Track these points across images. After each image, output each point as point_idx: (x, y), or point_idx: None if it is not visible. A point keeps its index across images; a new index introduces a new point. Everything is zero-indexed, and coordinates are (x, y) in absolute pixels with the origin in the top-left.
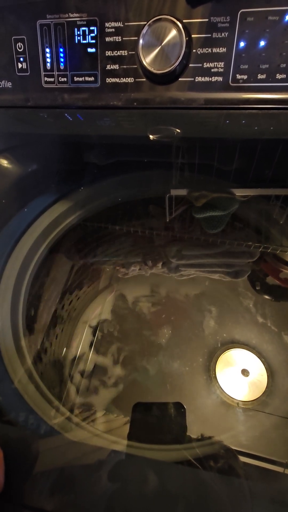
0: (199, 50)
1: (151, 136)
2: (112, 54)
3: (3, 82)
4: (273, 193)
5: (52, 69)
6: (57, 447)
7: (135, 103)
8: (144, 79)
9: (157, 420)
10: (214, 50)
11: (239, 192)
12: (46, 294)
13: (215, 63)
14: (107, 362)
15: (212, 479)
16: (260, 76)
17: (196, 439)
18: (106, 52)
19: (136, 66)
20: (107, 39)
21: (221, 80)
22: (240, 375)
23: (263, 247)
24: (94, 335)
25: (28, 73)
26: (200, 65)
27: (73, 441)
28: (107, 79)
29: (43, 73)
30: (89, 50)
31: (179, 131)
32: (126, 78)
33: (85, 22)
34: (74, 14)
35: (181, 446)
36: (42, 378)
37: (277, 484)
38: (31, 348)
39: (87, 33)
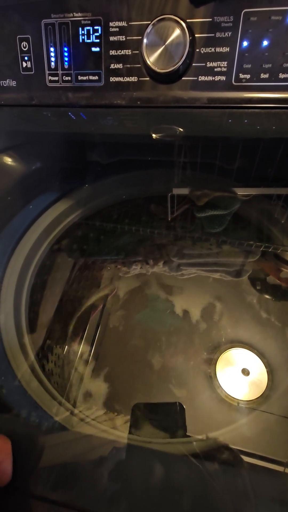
0: (202, 50)
1: (154, 135)
2: (116, 53)
3: (8, 81)
4: (275, 192)
5: (56, 68)
6: (61, 442)
7: (138, 102)
8: (148, 78)
9: (156, 420)
10: (218, 49)
11: (240, 191)
12: (48, 291)
13: (218, 62)
14: (109, 359)
15: (214, 476)
16: (263, 76)
17: (200, 440)
18: (110, 51)
19: (139, 65)
20: (111, 38)
21: (224, 79)
22: (240, 374)
23: (264, 247)
24: (96, 332)
25: (32, 72)
26: (204, 64)
27: (77, 436)
28: (111, 78)
29: (48, 72)
30: (93, 49)
31: (182, 130)
32: (130, 77)
33: (89, 22)
34: (79, 13)
35: (181, 443)
36: (45, 375)
37: (277, 483)
38: (34, 345)
39: (91, 32)
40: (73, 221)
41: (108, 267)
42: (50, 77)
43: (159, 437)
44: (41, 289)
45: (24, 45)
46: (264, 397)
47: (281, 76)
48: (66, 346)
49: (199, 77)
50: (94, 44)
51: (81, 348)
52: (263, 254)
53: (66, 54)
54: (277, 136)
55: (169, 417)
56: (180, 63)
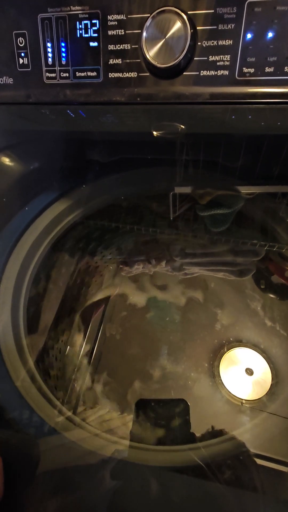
0: (204, 43)
1: (154, 133)
2: (115, 48)
3: (4, 78)
4: (280, 190)
5: (53, 64)
6: (59, 446)
7: (138, 99)
8: (148, 74)
9: (160, 417)
10: (220, 42)
11: (244, 190)
12: (48, 292)
13: (221, 56)
14: (111, 359)
15: (220, 488)
16: (267, 69)
17: (206, 433)
18: (109, 46)
19: (139, 60)
20: (110, 32)
21: (227, 73)
22: (244, 374)
23: (269, 246)
24: (97, 333)
25: (29, 69)
26: (206, 58)
27: (73, 441)
28: (109, 74)
29: (45, 68)
30: (91, 44)
31: (183, 127)
32: (129, 73)
33: (87, 15)
34: (76, 7)
35: (188, 447)
36: (45, 377)
37: (281, 483)
38: (34, 347)
39: (89, 26)
40: (73, 221)
41: (110, 266)
42: (47, 74)
43: (161, 435)
44: (41, 290)
45: (21, 41)
46: (268, 397)
47: (287, 69)
48: (68, 347)
49: (201, 71)
50: (92, 39)
51: (83, 349)
52: (267, 253)
53: (63, 49)
54: (282, 133)
55: (173, 414)
56: (181, 57)
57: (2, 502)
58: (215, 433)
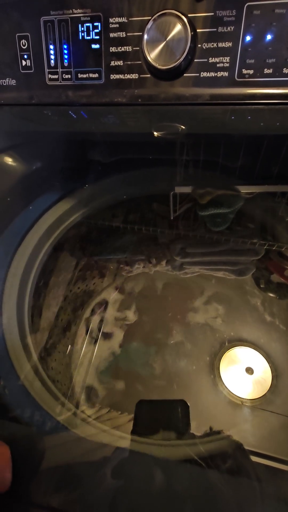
0: (204, 45)
1: (155, 133)
2: (116, 50)
3: (7, 80)
4: (279, 190)
5: (56, 66)
6: (63, 443)
7: (139, 100)
8: (149, 75)
9: (160, 417)
10: (220, 44)
11: (244, 189)
12: (51, 291)
13: (221, 58)
14: (111, 359)
15: (219, 480)
16: (266, 71)
17: (205, 434)
18: (110, 48)
19: (140, 62)
20: (111, 35)
21: (226, 75)
22: (244, 373)
23: (268, 245)
24: (98, 332)
25: (32, 70)
26: (206, 60)
27: (78, 437)
28: (111, 75)
29: (47, 70)
30: (93, 46)
31: (183, 127)
32: (131, 74)
33: (89, 18)
34: (78, 10)
35: (185, 442)
36: (48, 375)
37: (282, 482)
38: (37, 345)
39: (91, 29)
40: (75, 221)
41: (111, 266)
42: (50, 76)
43: (163, 435)
44: (45, 288)
45: (24, 43)
46: (268, 396)
47: (285, 71)
48: (70, 345)
49: (201, 73)
50: (94, 41)
51: (84, 347)
52: (267, 252)
53: (65, 51)
54: (282, 133)
55: (173, 414)
56: (181, 59)
57: (8, 493)
58: (214, 434)
